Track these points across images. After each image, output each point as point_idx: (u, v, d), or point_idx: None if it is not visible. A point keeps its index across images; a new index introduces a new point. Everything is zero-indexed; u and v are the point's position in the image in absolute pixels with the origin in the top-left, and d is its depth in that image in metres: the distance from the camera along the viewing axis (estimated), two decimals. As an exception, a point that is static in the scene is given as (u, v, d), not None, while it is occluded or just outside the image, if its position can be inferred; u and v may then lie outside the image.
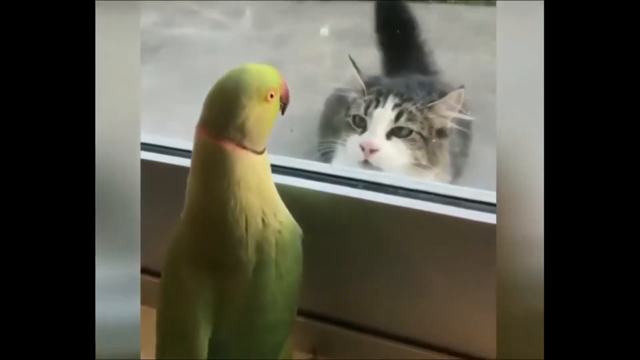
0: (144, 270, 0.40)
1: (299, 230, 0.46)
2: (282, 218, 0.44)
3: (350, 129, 0.71)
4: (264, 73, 0.41)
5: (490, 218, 0.48)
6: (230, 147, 0.40)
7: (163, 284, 0.45)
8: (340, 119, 0.78)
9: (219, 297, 0.43)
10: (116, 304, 0.35)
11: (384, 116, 0.68)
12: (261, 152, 0.42)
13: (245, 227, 0.41)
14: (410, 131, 0.68)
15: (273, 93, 0.41)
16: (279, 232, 0.43)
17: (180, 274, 0.43)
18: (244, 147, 0.40)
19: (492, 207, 0.48)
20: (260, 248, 0.42)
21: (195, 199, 0.43)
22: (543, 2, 0.31)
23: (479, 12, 1.13)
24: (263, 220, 0.42)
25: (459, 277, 0.51)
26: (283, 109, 0.44)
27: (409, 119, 0.68)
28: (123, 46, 0.36)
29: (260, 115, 0.40)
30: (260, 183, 0.42)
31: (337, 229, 0.53)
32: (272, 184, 0.44)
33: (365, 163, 0.67)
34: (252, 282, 0.42)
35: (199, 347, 0.42)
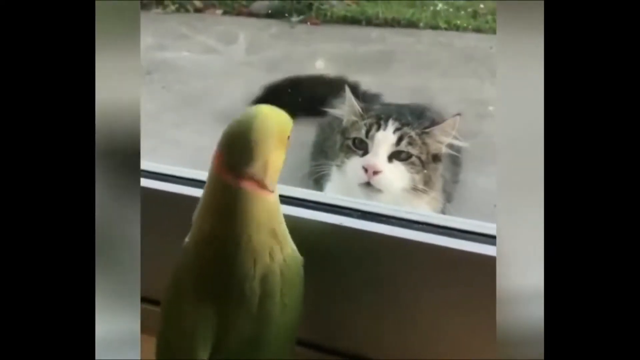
0: (143, 299, 0.40)
1: (300, 258, 0.46)
2: (288, 250, 0.44)
3: (349, 151, 0.71)
4: (282, 117, 0.43)
5: (483, 249, 0.48)
6: (251, 187, 0.41)
7: (164, 312, 0.45)
8: (332, 143, 0.78)
9: (220, 329, 0.42)
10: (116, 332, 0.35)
11: (386, 139, 0.69)
12: (273, 191, 0.43)
13: (253, 264, 0.42)
14: (410, 155, 0.68)
15: (289, 136, 0.43)
16: (284, 260, 0.43)
17: (182, 303, 0.43)
18: (264, 187, 0.41)
19: (486, 238, 0.49)
20: (265, 279, 0.42)
21: (207, 234, 0.43)
22: (543, 38, 0.32)
23: (468, 40, 1.15)
24: (270, 255, 0.42)
25: (453, 307, 0.51)
26: None
27: (410, 143, 0.69)
28: (124, 75, 0.36)
29: (278, 157, 0.42)
30: (273, 223, 0.43)
31: (330, 257, 0.53)
32: (283, 220, 0.44)
33: (367, 185, 0.67)
34: (256, 313, 0.42)
35: None
